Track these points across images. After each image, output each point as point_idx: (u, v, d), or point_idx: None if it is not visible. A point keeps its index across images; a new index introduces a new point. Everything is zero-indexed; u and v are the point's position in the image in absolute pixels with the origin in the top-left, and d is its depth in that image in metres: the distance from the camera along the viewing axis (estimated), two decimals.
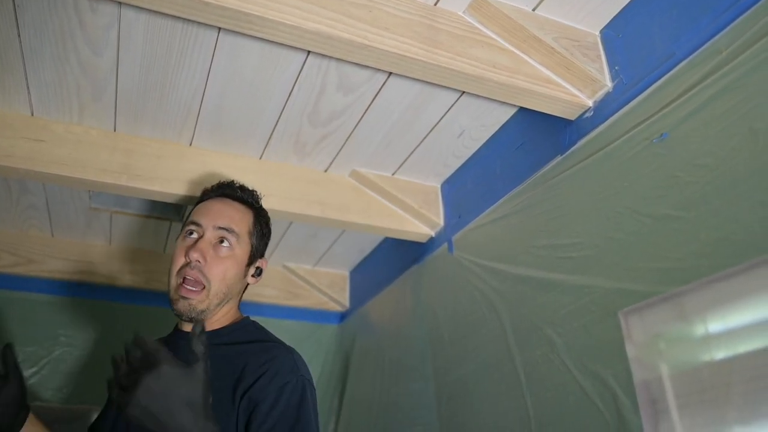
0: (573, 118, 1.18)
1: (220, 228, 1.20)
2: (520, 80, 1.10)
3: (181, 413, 0.85)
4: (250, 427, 1.00)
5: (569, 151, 1.18)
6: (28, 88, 1.29)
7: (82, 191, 1.68)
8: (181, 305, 1.15)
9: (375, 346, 1.92)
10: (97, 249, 2.01)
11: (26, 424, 1.10)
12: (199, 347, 0.89)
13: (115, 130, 1.44)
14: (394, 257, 1.91)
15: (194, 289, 1.15)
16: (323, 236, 1.97)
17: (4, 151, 1.32)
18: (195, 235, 1.20)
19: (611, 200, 1.05)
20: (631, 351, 0.96)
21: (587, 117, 1.15)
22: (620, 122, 1.07)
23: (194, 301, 1.15)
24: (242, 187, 1.31)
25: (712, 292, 0.85)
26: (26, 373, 1.78)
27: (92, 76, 1.26)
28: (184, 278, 1.15)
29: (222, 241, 1.20)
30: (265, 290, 2.14)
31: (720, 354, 0.83)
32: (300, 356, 1.14)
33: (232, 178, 1.34)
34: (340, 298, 2.22)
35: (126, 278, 2.00)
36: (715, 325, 0.84)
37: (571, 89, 1.14)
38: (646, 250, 0.96)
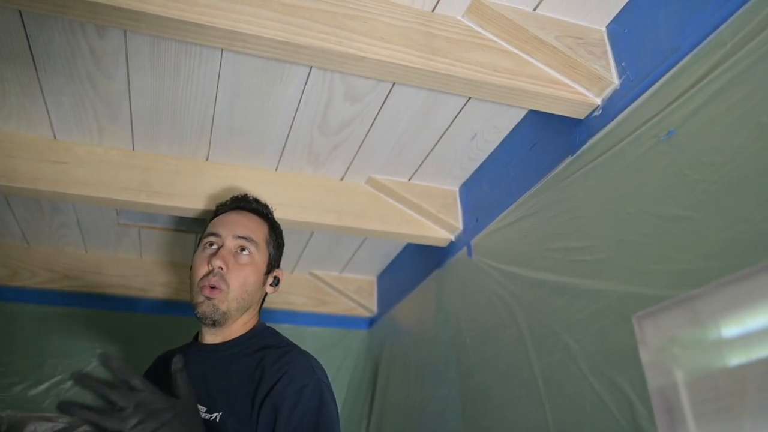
0: (582, 117, 1.15)
1: (240, 237, 1.25)
2: (522, 82, 1.08)
3: None
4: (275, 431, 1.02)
5: (579, 151, 1.15)
6: (48, 112, 1.34)
7: (110, 208, 1.73)
8: (205, 306, 1.18)
9: (402, 352, 1.91)
10: (129, 263, 2.06)
11: None
12: (183, 387, 0.94)
13: (134, 149, 1.48)
14: (418, 262, 1.90)
15: (215, 289, 1.18)
16: (347, 243, 1.98)
17: (30, 174, 1.37)
18: (215, 246, 1.24)
19: (622, 201, 1.02)
20: (645, 356, 0.92)
21: (596, 116, 1.12)
22: (628, 120, 1.03)
23: (216, 300, 1.18)
24: (256, 200, 1.37)
25: (725, 295, 0.81)
26: (65, 385, 1.85)
27: (106, 98, 1.29)
28: (206, 285, 1.19)
29: (242, 250, 1.24)
30: (294, 298, 2.17)
31: (734, 360, 0.79)
32: (316, 360, 1.16)
33: (246, 192, 1.38)
34: (368, 304, 2.22)
35: (157, 290, 2.05)
36: (729, 329, 0.80)
37: (577, 88, 1.11)
38: (658, 252, 0.93)
